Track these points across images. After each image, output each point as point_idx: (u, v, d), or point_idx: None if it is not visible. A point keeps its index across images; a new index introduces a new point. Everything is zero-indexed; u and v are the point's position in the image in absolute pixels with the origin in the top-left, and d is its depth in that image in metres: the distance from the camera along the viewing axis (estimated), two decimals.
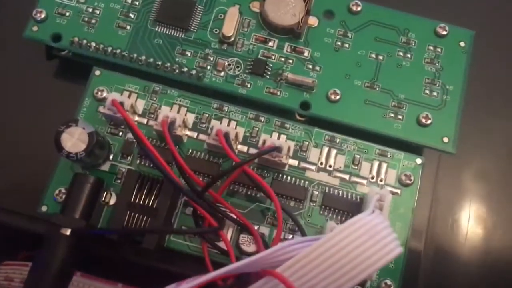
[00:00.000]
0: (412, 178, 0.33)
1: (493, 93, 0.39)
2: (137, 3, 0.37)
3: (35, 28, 0.36)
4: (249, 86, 0.35)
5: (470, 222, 0.37)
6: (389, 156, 0.34)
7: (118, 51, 0.35)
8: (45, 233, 0.29)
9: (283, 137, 0.34)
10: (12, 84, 0.38)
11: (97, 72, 0.35)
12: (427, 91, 0.36)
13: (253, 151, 0.34)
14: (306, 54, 0.36)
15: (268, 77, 0.35)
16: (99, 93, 0.34)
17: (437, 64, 0.36)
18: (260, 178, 0.30)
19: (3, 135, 0.37)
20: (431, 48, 0.37)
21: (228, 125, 0.34)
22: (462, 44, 0.37)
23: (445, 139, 0.35)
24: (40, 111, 0.37)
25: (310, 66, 0.36)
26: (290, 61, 0.36)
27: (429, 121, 0.35)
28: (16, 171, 0.36)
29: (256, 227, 0.32)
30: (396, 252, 0.26)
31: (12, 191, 0.35)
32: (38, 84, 0.38)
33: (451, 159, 0.37)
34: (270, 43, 0.36)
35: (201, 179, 0.32)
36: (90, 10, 0.36)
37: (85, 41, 0.35)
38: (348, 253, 0.25)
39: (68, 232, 0.29)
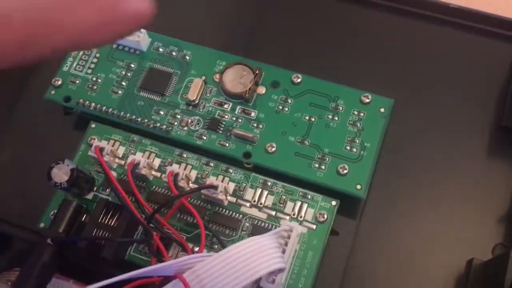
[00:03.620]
0: (325, 216, 0.41)
1: (405, 151, 0.46)
2: (129, 74, 0.48)
3: (53, 92, 0.48)
4: (205, 138, 0.45)
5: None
6: (309, 197, 0.42)
7: (110, 109, 0.46)
8: (35, 242, 0.40)
9: (226, 179, 0.43)
10: (36, 134, 0.50)
11: (93, 125, 0.46)
12: (348, 147, 0.43)
13: None
14: (253, 115, 0.45)
15: (221, 132, 0.45)
16: (92, 140, 0.45)
17: (359, 126, 0.44)
18: (192, 208, 0.39)
19: (22, 168, 0.48)
20: (356, 113, 0.45)
21: (185, 168, 0.44)
22: (382, 110, 0.45)
23: (358, 186, 0.42)
24: (57, 151, 0.49)
25: (255, 124, 0.45)
26: (240, 120, 0.45)
27: (345, 171, 0.42)
28: (28, 196, 0.47)
29: (196, 248, 0.40)
30: (278, 265, 0.34)
31: (24, 212, 0.46)
32: (57, 133, 0.50)
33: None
34: (225, 106, 0.46)
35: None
36: (94, 79, 0.48)
37: (87, 102, 0.47)
38: (238, 263, 0.34)
39: (49, 240, 0.39)
